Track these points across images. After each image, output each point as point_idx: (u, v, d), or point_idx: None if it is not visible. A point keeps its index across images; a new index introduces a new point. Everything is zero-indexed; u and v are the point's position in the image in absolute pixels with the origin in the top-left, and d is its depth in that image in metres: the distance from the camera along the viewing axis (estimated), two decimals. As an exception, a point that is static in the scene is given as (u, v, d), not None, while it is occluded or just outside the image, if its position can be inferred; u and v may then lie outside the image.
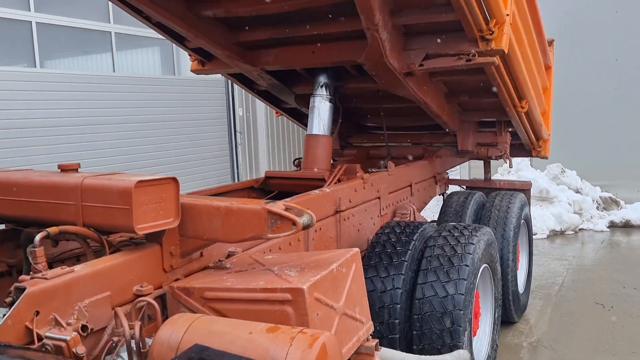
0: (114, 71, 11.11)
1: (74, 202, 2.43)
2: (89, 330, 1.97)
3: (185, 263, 2.66)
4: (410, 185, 5.63)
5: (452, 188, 6.76)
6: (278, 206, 2.41)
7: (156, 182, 2.39)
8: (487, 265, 4.21)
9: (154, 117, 11.77)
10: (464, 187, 6.96)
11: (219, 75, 13.84)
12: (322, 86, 4.91)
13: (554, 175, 10.21)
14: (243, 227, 2.44)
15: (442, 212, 5.75)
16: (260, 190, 4.96)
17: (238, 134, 14.26)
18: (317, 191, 4.03)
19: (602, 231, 9.56)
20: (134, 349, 2.08)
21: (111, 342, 2.14)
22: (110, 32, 11.00)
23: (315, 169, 4.85)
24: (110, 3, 10.58)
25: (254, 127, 14.71)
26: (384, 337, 3.75)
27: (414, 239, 4.08)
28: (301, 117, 6.96)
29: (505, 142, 6.11)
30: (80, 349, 1.80)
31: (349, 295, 2.55)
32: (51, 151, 9.62)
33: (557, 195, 9.82)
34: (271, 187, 4.94)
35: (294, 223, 2.34)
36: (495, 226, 5.35)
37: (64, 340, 1.80)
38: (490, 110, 5.88)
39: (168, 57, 12.60)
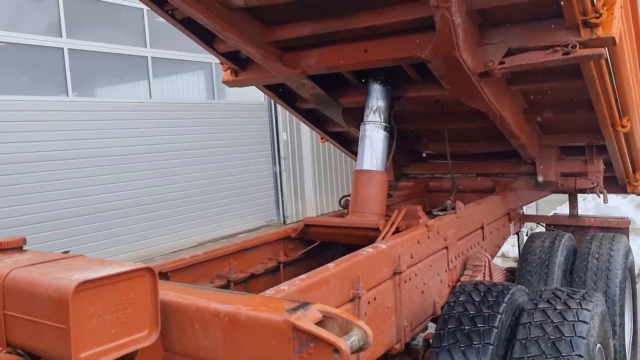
0: (150, 97, 10.54)
1: (-6, 309, 1.57)
2: None
3: (174, 390, 1.75)
4: (482, 228, 4.61)
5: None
6: (311, 316, 1.48)
7: (117, 278, 1.50)
8: (600, 345, 3.14)
9: (193, 145, 11.13)
10: (543, 225, 5.84)
11: (262, 98, 13.25)
12: (374, 111, 3.99)
13: (639, 202, 8.91)
14: (255, 348, 1.52)
15: (523, 260, 4.68)
16: (299, 239, 4.05)
17: (282, 160, 13.48)
18: (369, 249, 3.09)
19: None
20: None
21: None
22: (147, 57, 10.46)
23: (366, 213, 3.90)
24: (147, 27, 10.06)
25: (298, 152, 13.91)
26: None
27: (501, 311, 3.06)
28: (349, 144, 6.05)
29: (597, 172, 5.01)
30: None
31: None
32: (79, 184, 9.05)
33: (645, 227, 8.51)
34: (311, 237, 4.02)
35: (337, 350, 1.40)
36: (595, 281, 4.24)
37: None
38: (578, 133, 4.81)
39: (208, 81, 12.00)
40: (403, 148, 5.59)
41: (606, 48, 3.24)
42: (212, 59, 11.82)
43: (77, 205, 8.94)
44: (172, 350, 1.69)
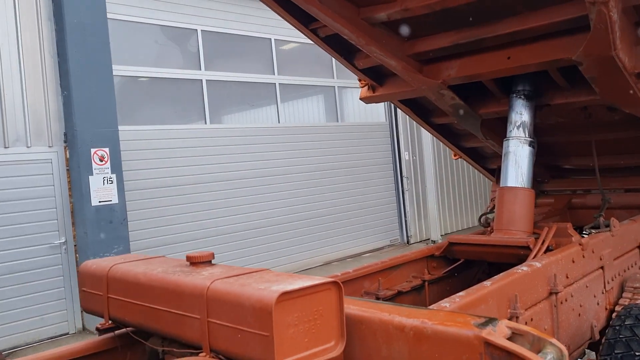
0: (278, 122, 11.02)
1: (198, 316, 1.73)
2: None
3: (354, 401, 1.81)
4: (639, 247, 4.28)
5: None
6: (501, 332, 1.47)
7: (309, 291, 1.59)
8: None
9: (318, 166, 11.45)
10: None
11: (384, 119, 13.32)
12: (518, 126, 3.88)
13: None
14: (443, 363, 1.53)
15: (689, 282, 4.27)
16: (443, 258, 4.01)
17: (405, 179, 13.42)
18: (524, 267, 2.99)
19: None
20: None
21: None
22: (275, 84, 10.97)
23: (513, 231, 3.78)
24: (274, 56, 10.58)
25: (421, 171, 13.77)
26: None
27: (675, 336, 2.82)
28: (483, 160, 5.91)
29: None
30: None
31: None
32: (215, 206, 9.63)
33: None
34: (455, 255, 3.97)
35: (534, 367, 1.38)
36: None
37: None
38: None
39: (331, 104, 12.31)
40: (542, 163, 5.36)
41: None
42: (335, 83, 12.15)
43: (208, 226, 9.52)
44: (354, 361, 1.76)
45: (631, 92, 3.44)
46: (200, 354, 1.72)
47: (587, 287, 3.53)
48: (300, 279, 1.65)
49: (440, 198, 14.31)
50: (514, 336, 1.50)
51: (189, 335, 1.79)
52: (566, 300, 3.27)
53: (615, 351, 2.88)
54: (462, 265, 4.09)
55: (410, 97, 4.69)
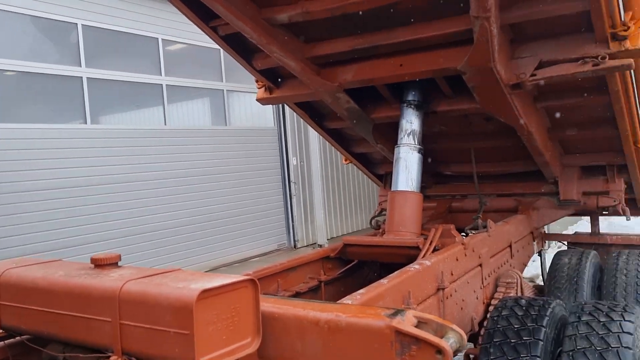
0: (165, 124, 10.71)
1: (109, 319, 1.68)
2: None
3: (267, 397, 1.85)
4: (510, 246, 4.72)
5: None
6: (409, 321, 1.59)
7: (228, 288, 1.61)
8: (641, 357, 3.23)
9: (204, 170, 11.26)
10: (564, 243, 5.95)
11: (272, 124, 13.41)
12: (409, 134, 4.13)
13: (651, 220, 9.00)
14: (356, 354, 1.62)
15: (551, 276, 4.78)
16: (338, 259, 4.15)
17: (292, 184, 13.60)
18: (416, 265, 3.20)
19: None
20: None
21: None
22: (162, 85, 10.65)
23: (403, 232, 4.01)
24: (162, 56, 10.27)
25: (308, 176, 14.03)
26: None
27: (544, 324, 3.15)
28: (372, 165, 6.20)
29: (619, 190, 5.12)
30: None
31: None
32: (102, 210, 9.16)
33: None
34: (350, 256, 4.12)
35: (440, 351, 1.50)
36: (625, 296, 4.34)
37: None
38: (600, 152, 4.96)
39: (219, 108, 12.18)
40: (426, 169, 5.72)
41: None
42: (224, 86, 12.04)
43: (89, 231, 9.04)
44: (268, 357, 1.79)
45: (506, 102, 3.80)
46: (112, 357, 1.67)
47: (468, 283, 3.83)
48: (218, 277, 1.67)
49: (327, 203, 14.66)
50: (420, 324, 1.63)
51: (97, 339, 1.73)
52: (451, 295, 3.53)
53: (494, 340, 3.15)
54: (355, 265, 4.26)
55: (307, 99, 4.82)
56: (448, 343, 1.54)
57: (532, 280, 8.64)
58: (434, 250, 3.75)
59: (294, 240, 13.66)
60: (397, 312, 1.63)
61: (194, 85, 11.40)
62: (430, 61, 3.75)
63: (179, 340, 1.51)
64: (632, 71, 3.81)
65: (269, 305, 1.81)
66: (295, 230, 13.68)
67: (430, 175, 5.91)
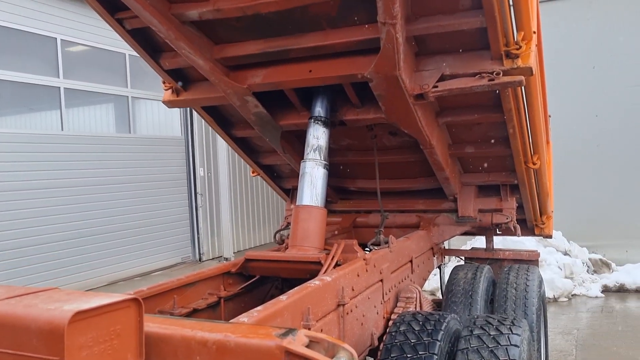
0: (62, 129, 10.11)
1: (-33, 344, 1.50)
2: None
3: None
4: (411, 261, 4.83)
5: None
6: (299, 341, 1.54)
7: (106, 309, 1.49)
8: (527, 368, 3.38)
9: (106, 179, 10.75)
10: (462, 258, 6.20)
11: (179, 133, 13.08)
12: (315, 149, 4.12)
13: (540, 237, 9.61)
14: (245, 376, 1.55)
15: (449, 290, 4.93)
16: (239, 275, 4.05)
17: (199, 196, 13.29)
18: (316, 281, 3.17)
19: (596, 297, 8.91)
20: None
21: None
22: (59, 88, 10.07)
23: (306, 247, 3.98)
24: (60, 57, 9.72)
25: (215, 188, 13.78)
26: None
27: (439, 338, 3.23)
28: (279, 179, 6.16)
29: (511, 208, 5.41)
30: None
31: None
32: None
33: (546, 259, 9.18)
34: (251, 272, 4.04)
35: (330, 371, 1.47)
36: (515, 309, 4.56)
37: None
38: (495, 172, 5.23)
39: (123, 115, 11.69)
40: (331, 184, 5.78)
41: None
42: (129, 93, 11.59)
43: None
44: (154, 382, 1.68)
45: (410, 112, 3.90)
46: (-31, 389, 1.49)
47: (369, 298, 3.86)
48: (96, 297, 1.54)
49: (235, 215, 14.46)
50: (311, 343, 1.59)
51: (-45, 368, 1.54)
52: (351, 311, 3.53)
53: (392, 355, 3.18)
54: (257, 281, 4.17)
55: (214, 103, 4.71)
56: (338, 362, 1.51)
57: (432, 293, 8.95)
58: (336, 265, 3.75)
59: (200, 253, 13.34)
60: (288, 332, 1.58)
61: (96, 89, 10.90)
62: (338, 67, 3.80)
63: (48, 368, 1.37)
64: (523, 90, 4.08)
65: (154, 325, 1.69)
66: (200, 243, 13.36)
67: (335, 190, 5.96)
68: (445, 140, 4.81)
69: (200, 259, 13.25)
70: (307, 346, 1.58)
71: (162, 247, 12.30)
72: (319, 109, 4.24)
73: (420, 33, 3.55)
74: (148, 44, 4.13)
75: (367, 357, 3.86)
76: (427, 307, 4.54)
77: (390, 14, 3.09)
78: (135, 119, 11.94)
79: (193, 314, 3.54)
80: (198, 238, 13.31)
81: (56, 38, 9.90)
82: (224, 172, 13.85)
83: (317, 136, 4.16)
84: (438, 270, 6.14)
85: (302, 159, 4.22)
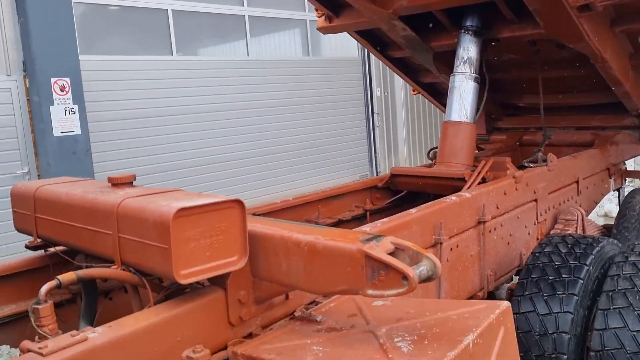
0: (248, 55, 10.86)
1: (110, 232, 1.82)
2: None
3: (262, 311, 1.96)
4: (577, 182, 4.46)
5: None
6: (383, 247, 1.59)
7: (209, 208, 1.69)
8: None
9: (288, 101, 11.40)
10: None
11: (356, 54, 13.19)
12: (464, 62, 3.93)
13: None
14: (332, 275, 1.66)
15: (621, 215, 4.50)
16: (386, 189, 4.14)
17: (376, 115, 13.46)
18: (453, 197, 3.13)
19: None
20: None
21: None
22: (244, 16, 10.74)
23: (453, 163, 3.91)
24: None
25: (392, 108, 13.81)
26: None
27: (588, 263, 3.02)
28: (440, 96, 5.99)
29: None
30: None
31: (493, 378, 1.67)
32: (187, 138, 9.62)
33: None
34: (398, 186, 4.10)
35: (405, 277, 1.51)
36: (700, 239, 4.02)
37: None
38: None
39: (303, 38, 12.13)
40: (496, 100, 5.47)
41: None
42: (307, 16, 11.93)
43: (175, 159, 9.53)
44: (260, 276, 1.88)
45: (574, 26, 3.48)
46: (112, 267, 1.83)
47: (518, 217, 3.70)
48: (205, 197, 1.74)
49: (410, 134, 14.44)
50: (396, 251, 1.63)
51: (104, 251, 1.89)
52: (495, 229, 3.44)
53: (532, 275, 3.07)
54: (406, 197, 4.23)
55: (365, 28, 4.70)
56: (417, 270, 1.53)
57: (607, 216, 8.18)
58: (482, 182, 3.64)
59: (377, 172, 13.67)
60: (373, 238, 1.63)
61: (276, 15, 11.40)
62: (489, -18, 3.52)
63: (161, 254, 1.62)
64: None
65: (257, 225, 1.87)
66: (378, 162, 13.66)
67: (501, 106, 5.64)
68: (624, 51, 4.21)
69: (377, 178, 13.62)
70: (392, 253, 1.62)
71: (342, 165, 12.84)
72: (470, 21, 3.98)
73: None
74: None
75: (513, 277, 3.76)
76: (591, 232, 4.22)
77: None
78: (314, 41, 12.31)
79: (338, 224, 3.76)
80: (375, 157, 13.61)
81: (240, -32, 10.50)
82: (400, 92, 13.77)
83: (467, 48, 3.95)
84: (617, 193, 5.58)
85: (451, 73, 4.06)
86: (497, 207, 3.44)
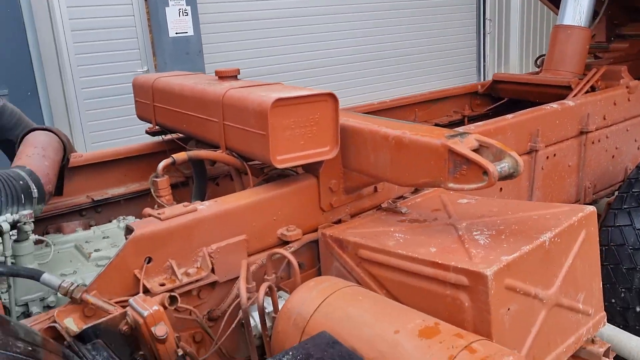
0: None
1: (217, 120, 2.01)
2: (178, 302, 1.57)
3: (350, 201, 2.10)
4: None
5: None
6: (467, 143, 1.65)
7: (305, 100, 1.81)
8: None
9: (395, 4, 11.05)
10: None
11: (469, -46, 12.28)
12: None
13: None
14: (416, 168, 1.76)
15: None
16: (487, 96, 4.05)
17: (487, 22, 12.70)
18: (555, 104, 3.04)
19: None
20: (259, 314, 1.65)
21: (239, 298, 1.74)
22: None
23: (561, 71, 3.73)
24: None
25: (506, 13, 12.95)
26: (630, 308, 2.79)
27: (697, 179, 2.87)
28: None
29: None
30: (160, 330, 1.42)
31: (569, 276, 1.73)
32: (291, 42, 9.73)
33: None
34: (499, 93, 3.99)
35: (486, 172, 1.57)
36: None
37: (142, 316, 1.43)
38: None
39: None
40: (620, 4, 5.01)
41: None
42: None
43: (279, 62, 9.70)
44: (350, 167, 2.01)
45: None
46: (218, 151, 2.04)
47: (627, 130, 3.52)
48: (302, 90, 1.86)
49: (525, 43, 13.57)
50: (481, 148, 1.68)
51: (211, 137, 2.09)
52: (599, 141, 3.31)
53: (633, 189, 2.97)
54: (507, 105, 4.12)
55: None
56: (498, 167, 1.58)
57: None
58: (591, 91, 3.47)
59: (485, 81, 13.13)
60: (458, 134, 1.69)
61: None
62: None
63: (260, 140, 1.79)
64: None
65: (351, 120, 1.98)
66: (486, 71, 13.07)
67: (625, 10, 5.15)
68: None
69: (484, 88, 13.09)
70: (477, 150, 1.68)
71: (448, 73, 12.43)
72: None
73: None
74: None
75: (615, 192, 3.64)
76: None
77: None
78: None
79: (434, 129, 3.77)
80: (484, 65, 13.01)
81: None
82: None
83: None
84: None
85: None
86: (604, 118, 3.29)
